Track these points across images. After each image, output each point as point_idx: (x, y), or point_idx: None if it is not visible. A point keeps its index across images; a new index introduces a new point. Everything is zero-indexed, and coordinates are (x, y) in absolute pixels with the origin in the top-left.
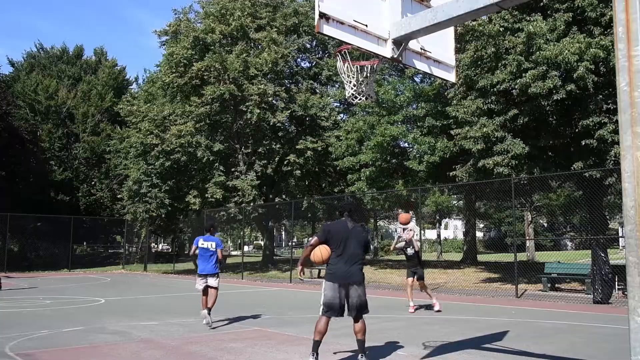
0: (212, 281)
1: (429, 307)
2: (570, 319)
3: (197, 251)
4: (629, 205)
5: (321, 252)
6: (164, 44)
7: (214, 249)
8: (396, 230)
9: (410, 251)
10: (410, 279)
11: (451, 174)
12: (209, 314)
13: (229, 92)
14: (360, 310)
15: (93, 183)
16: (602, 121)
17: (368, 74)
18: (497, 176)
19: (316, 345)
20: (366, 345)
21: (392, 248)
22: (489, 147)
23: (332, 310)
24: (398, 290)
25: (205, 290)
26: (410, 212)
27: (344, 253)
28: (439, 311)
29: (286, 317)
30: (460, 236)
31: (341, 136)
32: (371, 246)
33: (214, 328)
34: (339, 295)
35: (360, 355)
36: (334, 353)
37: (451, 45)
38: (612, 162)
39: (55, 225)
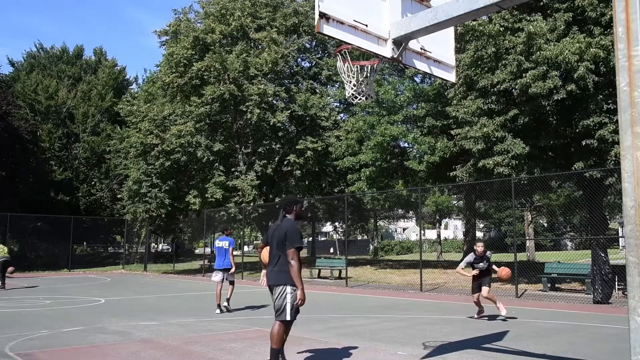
0: (230, 276)
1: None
2: (570, 319)
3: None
4: (629, 205)
5: (263, 255)
6: (163, 44)
7: (227, 247)
8: (396, 231)
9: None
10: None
11: (451, 174)
12: (228, 303)
13: (229, 92)
14: (276, 314)
15: (93, 183)
16: (603, 121)
17: (368, 74)
18: (497, 176)
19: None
20: (366, 345)
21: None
22: (489, 147)
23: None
24: (398, 290)
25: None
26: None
27: (270, 255)
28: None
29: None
30: (460, 236)
31: (341, 136)
32: (294, 237)
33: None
34: (272, 298)
35: None
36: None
37: (451, 45)
38: (612, 162)
39: (55, 225)
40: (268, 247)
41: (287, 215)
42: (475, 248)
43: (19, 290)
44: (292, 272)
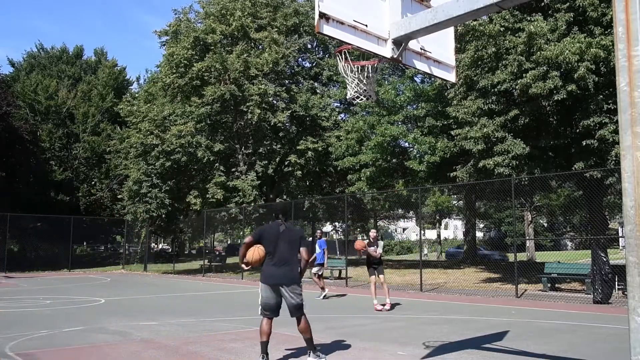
0: None
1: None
2: (570, 319)
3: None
4: (629, 205)
5: (255, 253)
6: (164, 44)
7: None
8: (395, 231)
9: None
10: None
11: (451, 174)
12: None
13: (230, 93)
14: (294, 312)
15: (93, 183)
16: (603, 121)
17: (369, 74)
18: (498, 176)
19: (264, 346)
20: (366, 345)
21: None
22: (489, 147)
23: (270, 310)
24: (398, 290)
25: None
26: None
27: (274, 255)
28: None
29: (286, 317)
30: (460, 236)
31: (341, 136)
32: (307, 241)
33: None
34: (272, 295)
35: (309, 352)
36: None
37: (451, 45)
38: (612, 162)
39: (55, 225)
40: (256, 245)
41: (285, 221)
42: (369, 234)
43: (18, 290)
44: (305, 270)
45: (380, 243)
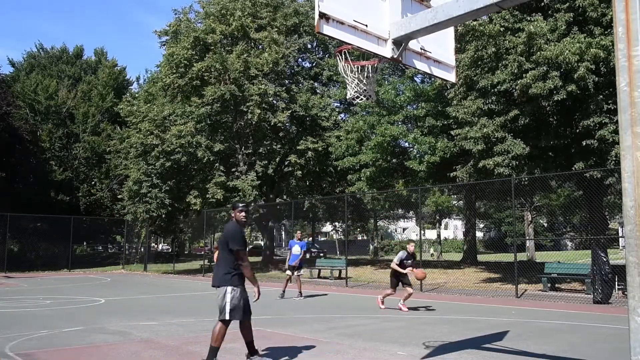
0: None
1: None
2: (570, 319)
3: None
4: (629, 205)
5: (215, 257)
6: (164, 44)
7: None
8: (396, 231)
9: None
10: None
11: (451, 174)
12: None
13: (230, 93)
14: (219, 314)
15: (93, 183)
16: (603, 121)
17: (369, 74)
18: (498, 177)
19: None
20: (366, 345)
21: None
22: (489, 147)
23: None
24: (398, 290)
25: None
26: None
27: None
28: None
29: (286, 317)
30: (460, 236)
31: (341, 136)
32: (235, 239)
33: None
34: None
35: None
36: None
37: (451, 45)
38: (613, 162)
39: (55, 225)
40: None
41: (232, 218)
42: (407, 247)
43: (18, 290)
44: (245, 273)
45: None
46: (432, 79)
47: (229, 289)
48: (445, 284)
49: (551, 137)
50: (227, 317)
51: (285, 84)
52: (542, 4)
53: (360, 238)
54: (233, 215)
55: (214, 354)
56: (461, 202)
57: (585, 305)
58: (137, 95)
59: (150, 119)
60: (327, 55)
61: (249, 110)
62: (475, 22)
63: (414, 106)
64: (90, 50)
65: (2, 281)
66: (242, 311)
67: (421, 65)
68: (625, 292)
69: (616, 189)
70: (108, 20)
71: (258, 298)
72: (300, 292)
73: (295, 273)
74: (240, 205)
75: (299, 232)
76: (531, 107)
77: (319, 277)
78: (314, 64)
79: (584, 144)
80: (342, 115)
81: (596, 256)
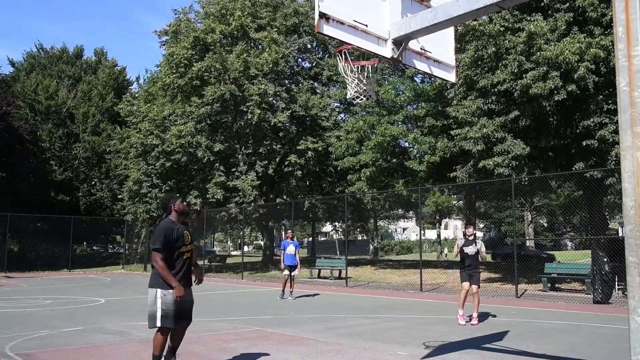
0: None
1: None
2: (570, 319)
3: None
4: (629, 205)
5: None
6: (164, 44)
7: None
8: (396, 231)
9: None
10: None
11: (451, 174)
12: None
13: (230, 93)
14: (148, 320)
15: (93, 183)
16: (603, 121)
17: (369, 74)
18: (498, 177)
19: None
20: (366, 345)
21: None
22: (489, 147)
23: None
24: (398, 290)
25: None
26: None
27: None
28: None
29: (286, 317)
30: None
31: (341, 136)
32: (154, 239)
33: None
34: None
35: None
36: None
37: (451, 45)
38: (613, 162)
39: (55, 225)
40: None
41: (167, 215)
42: (463, 230)
43: (18, 290)
44: (160, 274)
45: (480, 242)
46: (432, 79)
47: (159, 292)
48: (445, 284)
49: (551, 137)
50: (159, 324)
51: (285, 84)
52: (542, 4)
53: (360, 238)
54: (170, 210)
55: None
56: (461, 202)
57: (585, 305)
58: (137, 95)
59: (150, 119)
60: (327, 55)
61: (249, 110)
62: (475, 22)
63: (414, 106)
64: (90, 50)
65: (2, 281)
66: (175, 319)
67: (421, 65)
68: (625, 292)
69: (616, 189)
70: (108, 20)
71: (180, 299)
72: (291, 291)
73: (292, 272)
74: (178, 195)
75: (289, 231)
76: (531, 107)
77: (319, 277)
78: (313, 64)
79: (584, 144)
80: (342, 115)
81: (596, 256)
